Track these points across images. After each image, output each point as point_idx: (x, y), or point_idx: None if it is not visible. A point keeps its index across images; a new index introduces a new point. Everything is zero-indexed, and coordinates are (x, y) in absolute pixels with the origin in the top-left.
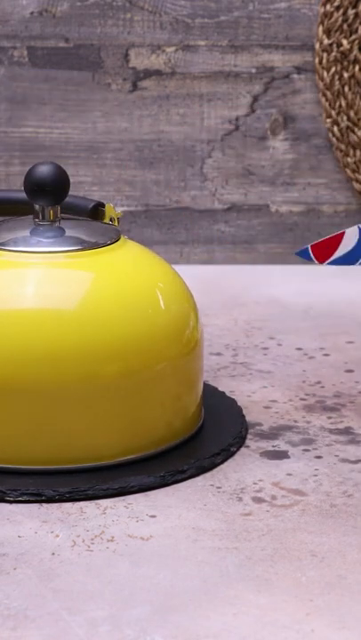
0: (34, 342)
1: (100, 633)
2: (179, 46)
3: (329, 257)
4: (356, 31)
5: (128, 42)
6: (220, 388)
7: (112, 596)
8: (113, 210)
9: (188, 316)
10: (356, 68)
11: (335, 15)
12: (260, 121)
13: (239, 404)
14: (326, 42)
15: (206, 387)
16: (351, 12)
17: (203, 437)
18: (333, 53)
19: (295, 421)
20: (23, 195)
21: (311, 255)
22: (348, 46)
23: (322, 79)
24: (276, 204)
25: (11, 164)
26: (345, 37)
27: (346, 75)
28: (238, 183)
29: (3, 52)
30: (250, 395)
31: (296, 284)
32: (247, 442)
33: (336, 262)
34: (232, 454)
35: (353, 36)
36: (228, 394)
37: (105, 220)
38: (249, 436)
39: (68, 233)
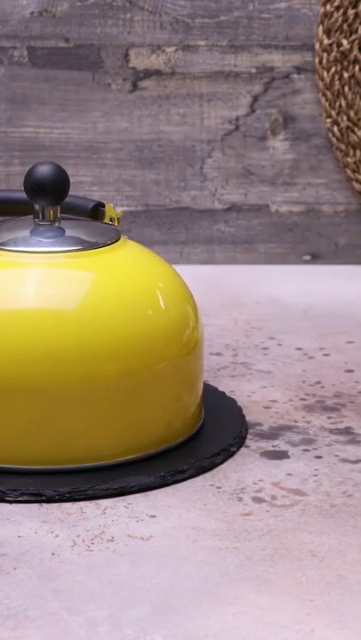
0: (34, 342)
1: (100, 633)
2: (179, 46)
3: None
4: (356, 31)
5: (128, 42)
6: (220, 388)
7: (112, 596)
8: (113, 210)
9: (188, 316)
10: (356, 67)
11: (335, 15)
12: (260, 121)
13: (239, 404)
14: (326, 42)
15: (206, 387)
16: (351, 12)
17: (203, 437)
18: (333, 53)
19: (295, 421)
20: (23, 195)
21: None
22: (348, 46)
23: (322, 79)
24: (276, 204)
25: (11, 164)
26: (345, 37)
27: (346, 75)
28: (238, 183)
29: (3, 51)
30: (250, 395)
31: (296, 284)
32: (247, 442)
33: None
34: (232, 454)
35: (353, 36)
36: (228, 394)
37: (105, 220)
38: (249, 436)
39: (68, 233)
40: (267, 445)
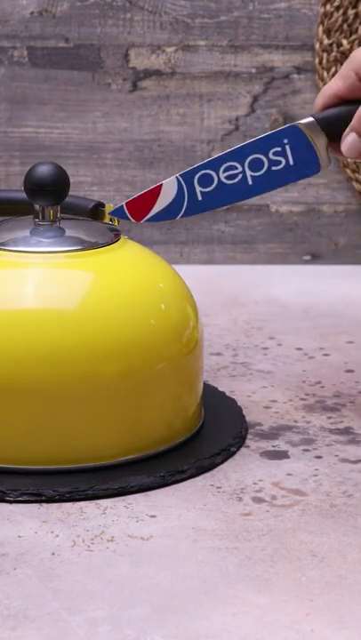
0: (34, 342)
1: (100, 633)
2: (179, 46)
3: (146, 214)
4: (357, 31)
5: (128, 42)
6: (220, 388)
7: (112, 596)
8: None
9: (188, 315)
10: None
11: (335, 15)
12: (260, 121)
13: (239, 404)
14: (326, 42)
15: (206, 387)
16: (351, 12)
17: (203, 437)
18: (333, 53)
19: (295, 421)
20: (23, 194)
21: (127, 214)
22: (348, 46)
23: (322, 79)
24: (276, 204)
25: (11, 164)
26: (345, 37)
27: None
28: None
29: (3, 51)
30: (250, 395)
31: (296, 284)
32: (247, 442)
33: (155, 219)
34: (232, 454)
35: (353, 36)
36: (228, 394)
37: (105, 220)
38: (249, 436)
39: (68, 233)
40: (267, 445)
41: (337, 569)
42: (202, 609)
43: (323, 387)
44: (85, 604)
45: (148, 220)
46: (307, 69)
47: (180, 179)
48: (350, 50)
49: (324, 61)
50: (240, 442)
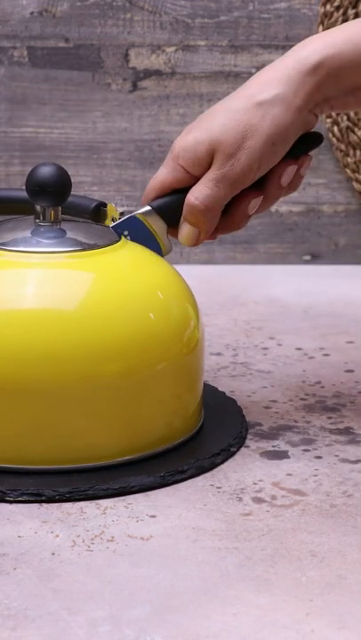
0: (34, 342)
1: (100, 633)
2: (179, 46)
3: None
4: None
5: (128, 42)
6: (220, 388)
7: (112, 596)
8: (115, 210)
9: (188, 315)
10: None
11: (335, 15)
12: None
13: (239, 404)
14: None
15: (206, 387)
16: (351, 12)
17: (203, 437)
18: None
19: (295, 421)
20: (24, 193)
21: None
22: None
23: None
24: (276, 204)
25: (11, 164)
26: None
27: None
28: None
29: (3, 51)
30: (250, 395)
31: (296, 284)
32: (247, 442)
33: None
34: (232, 454)
35: None
36: (228, 394)
37: (107, 220)
38: (249, 436)
39: (69, 234)
40: (267, 445)
41: (337, 569)
42: (202, 609)
43: (323, 387)
44: (85, 604)
45: None
46: None
47: None
48: None
49: None
50: (240, 442)
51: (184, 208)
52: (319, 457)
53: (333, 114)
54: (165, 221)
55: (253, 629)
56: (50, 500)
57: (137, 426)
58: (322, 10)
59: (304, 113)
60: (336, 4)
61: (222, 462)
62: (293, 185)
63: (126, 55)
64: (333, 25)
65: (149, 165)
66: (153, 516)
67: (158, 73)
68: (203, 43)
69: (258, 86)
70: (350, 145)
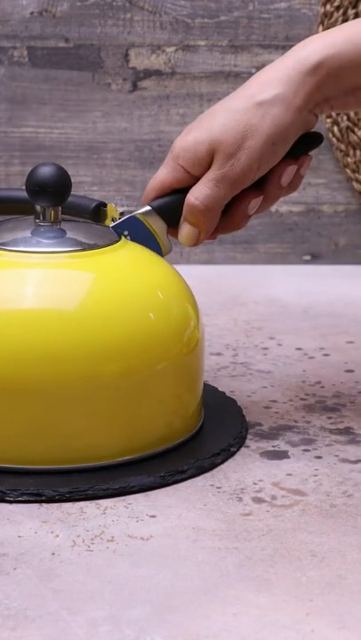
0: (34, 342)
1: (100, 633)
2: (179, 46)
3: None
4: None
5: (128, 42)
6: (220, 388)
7: (112, 596)
8: (115, 210)
9: (188, 315)
10: None
11: (335, 15)
12: None
13: (239, 404)
14: None
15: (206, 387)
16: (351, 12)
17: (203, 437)
18: None
19: (295, 421)
20: (24, 193)
21: None
22: None
23: None
24: (276, 204)
25: (11, 164)
26: None
27: None
28: None
29: (3, 51)
30: (250, 395)
31: (296, 284)
32: (247, 442)
33: None
34: (232, 454)
35: None
36: (228, 394)
37: (107, 220)
38: (249, 436)
39: (69, 234)
40: (267, 445)
41: (337, 569)
42: (202, 609)
43: (323, 387)
44: (85, 604)
45: None
46: None
47: None
48: None
49: None
50: (240, 442)
51: (184, 208)
52: (319, 457)
53: (333, 114)
54: (165, 221)
55: (253, 629)
56: (50, 500)
57: (137, 426)
58: (322, 10)
59: (304, 113)
60: (336, 3)
61: (222, 462)
62: (293, 185)
63: (126, 55)
64: (333, 25)
65: (149, 165)
66: (153, 516)
67: (158, 73)
68: (203, 43)
69: (258, 86)
70: (350, 145)
